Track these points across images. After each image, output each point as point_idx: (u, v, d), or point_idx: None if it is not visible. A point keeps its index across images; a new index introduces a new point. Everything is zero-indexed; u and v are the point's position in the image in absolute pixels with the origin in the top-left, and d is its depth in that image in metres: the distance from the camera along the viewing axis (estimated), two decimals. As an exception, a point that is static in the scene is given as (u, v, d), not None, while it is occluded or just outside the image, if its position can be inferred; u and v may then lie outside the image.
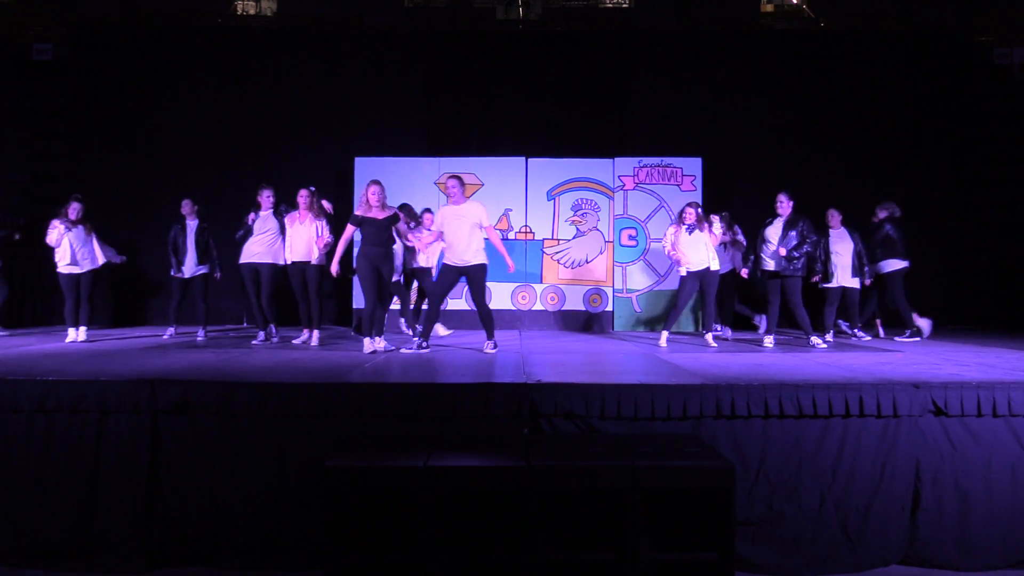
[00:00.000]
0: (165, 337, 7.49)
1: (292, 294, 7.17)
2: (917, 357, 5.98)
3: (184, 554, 4.30)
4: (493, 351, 6.34)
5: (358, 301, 9.10)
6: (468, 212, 6.31)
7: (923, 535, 4.34)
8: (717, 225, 7.38)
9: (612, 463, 3.68)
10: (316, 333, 6.97)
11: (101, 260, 7.21)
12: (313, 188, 7.13)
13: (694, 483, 3.70)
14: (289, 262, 7.01)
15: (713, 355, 6.20)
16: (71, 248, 6.96)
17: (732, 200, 9.49)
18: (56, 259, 7.03)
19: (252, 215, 7.09)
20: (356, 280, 9.03)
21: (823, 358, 5.92)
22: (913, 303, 7.78)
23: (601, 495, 3.72)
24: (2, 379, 4.38)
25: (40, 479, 4.29)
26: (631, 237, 9.19)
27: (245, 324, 8.77)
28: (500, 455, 3.79)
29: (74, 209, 7.01)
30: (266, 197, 7.12)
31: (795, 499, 4.31)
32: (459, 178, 6.42)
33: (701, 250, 6.96)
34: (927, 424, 4.38)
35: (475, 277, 6.32)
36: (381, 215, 6.18)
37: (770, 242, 6.93)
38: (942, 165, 9.92)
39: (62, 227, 6.91)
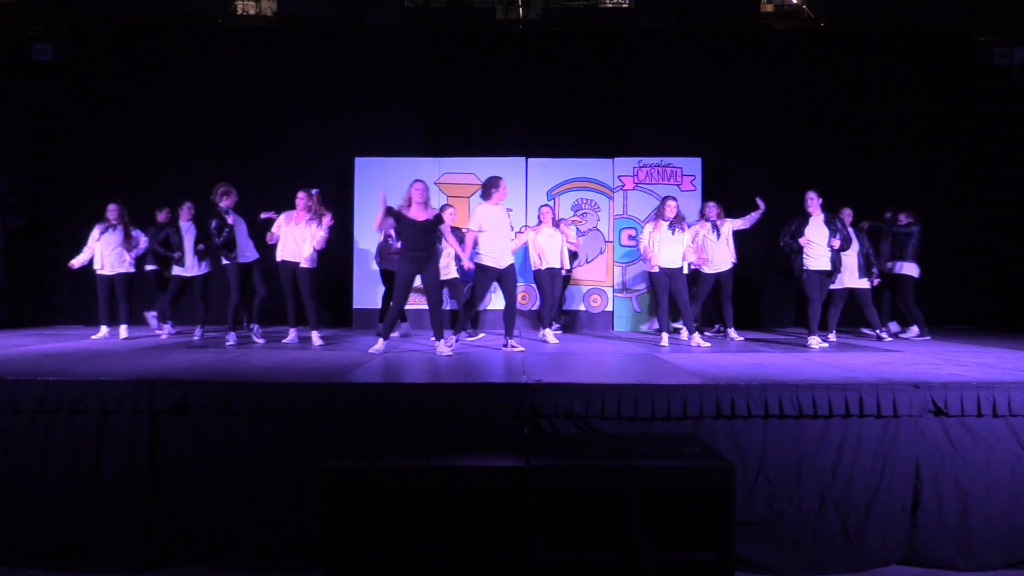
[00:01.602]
0: (163, 336, 7.51)
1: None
2: (917, 357, 5.98)
3: (184, 554, 4.30)
4: (512, 349, 6.31)
5: (358, 301, 9.11)
6: (504, 213, 6.31)
7: (923, 535, 4.34)
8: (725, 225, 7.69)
9: (612, 463, 3.68)
10: (316, 333, 6.95)
11: (130, 267, 7.57)
12: (317, 190, 7.10)
13: (694, 483, 3.70)
14: (279, 259, 6.94)
15: (713, 355, 6.20)
16: (100, 251, 7.43)
17: (732, 200, 9.49)
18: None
19: (213, 221, 6.88)
20: (355, 280, 9.09)
21: (823, 358, 5.91)
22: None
23: (601, 495, 3.72)
24: (2, 379, 4.38)
25: (40, 479, 4.29)
26: (631, 237, 9.17)
27: (245, 324, 8.76)
28: (500, 455, 3.79)
29: (112, 212, 7.45)
30: (223, 195, 6.91)
31: (795, 499, 4.31)
32: (503, 179, 6.39)
33: (676, 250, 6.95)
34: (927, 424, 4.38)
35: (512, 278, 6.28)
36: (421, 216, 5.96)
37: (815, 242, 6.77)
38: (942, 165, 9.92)
39: (97, 231, 7.44)
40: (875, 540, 4.30)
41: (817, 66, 9.96)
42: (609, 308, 9.23)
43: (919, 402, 4.35)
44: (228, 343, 6.78)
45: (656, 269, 6.96)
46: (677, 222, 6.96)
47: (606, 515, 3.71)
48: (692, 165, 9.26)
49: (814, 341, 6.78)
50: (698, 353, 6.35)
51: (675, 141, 9.64)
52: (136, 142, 9.78)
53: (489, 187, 6.38)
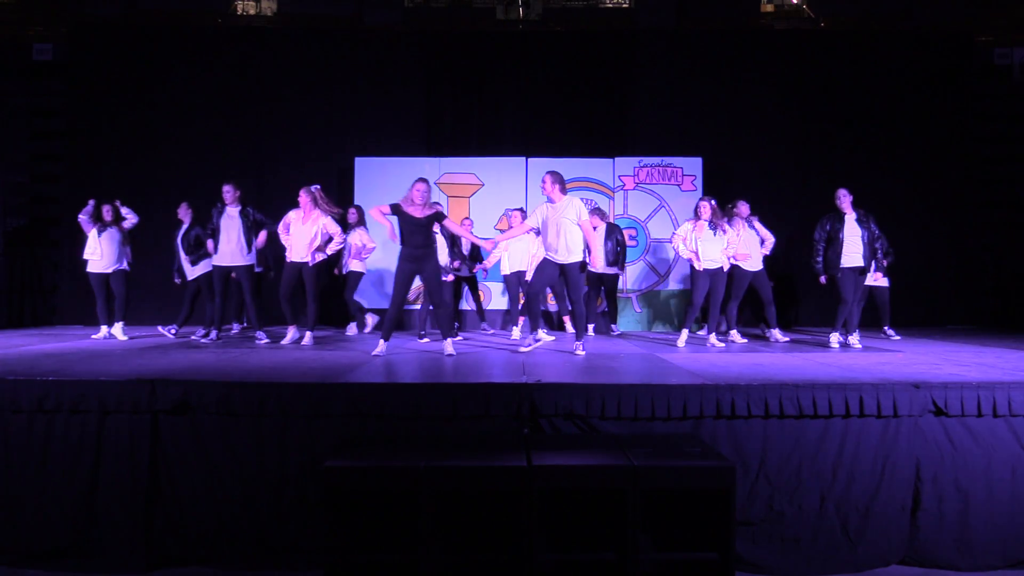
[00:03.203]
0: (168, 336, 7.53)
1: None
2: (917, 357, 5.98)
3: (184, 554, 4.30)
4: (583, 352, 6.17)
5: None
6: (565, 208, 6.08)
7: (923, 535, 4.34)
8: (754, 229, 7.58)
9: (612, 463, 3.68)
10: (310, 334, 6.96)
11: (123, 264, 7.51)
12: (317, 186, 7.04)
13: (694, 483, 3.69)
14: (288, 261, 6.95)
15: (713, 355, 6.20)
16: (100, 248, 7.34)
17: (732, 199, 9.48)
18: (86, 257, 7.40)
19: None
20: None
21: (823, 358, 5.91)
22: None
23: (601, 495, 3.72)
24: (2, 379, 4.38)
25: (40, 479, 4.29)
26: (631, 237, 9.18)
27: (245, 324, 8.76)
28: (500, 455, 3.79)
29: (107, 213, 7.41)
30: (230, 192, 7.08)
31: (795, 499, 4.31)
32: (554, 173, 6.15)
33: (718, 250, 6.92)
34: (927, 424, 4.38)
35: (571, 275, 6.13)
36: (420, 213, 5.93)
37: (851, 240, 6.67)
38: (942, 165, 9.92)
39: (95, 230, 7.37)
40: (875, 540, 4.30)
41: (817, 66, 9.96)
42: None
43: (919, 402, 4.35)
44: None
45: (701, 269, 6.91)
46: (716, 221, 6.92)
47: (606, 515, 3.71)
48: (693, 165, 9.26)
49: (834, 338, 6.71)
50: (699, 353, 6.35)
51: (676, 141, 9.65)
52: (136, 142, 9.78)
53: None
